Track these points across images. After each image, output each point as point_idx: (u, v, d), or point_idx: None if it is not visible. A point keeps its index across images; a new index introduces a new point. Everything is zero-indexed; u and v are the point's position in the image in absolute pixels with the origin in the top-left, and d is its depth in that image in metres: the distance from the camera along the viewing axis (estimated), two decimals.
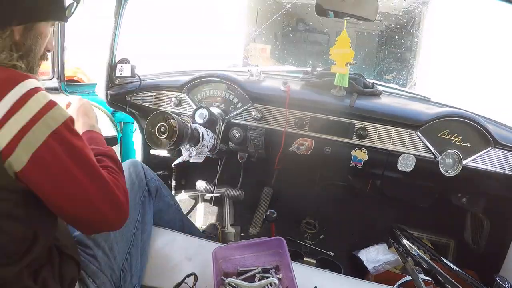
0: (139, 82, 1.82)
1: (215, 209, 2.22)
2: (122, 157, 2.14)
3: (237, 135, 1.75)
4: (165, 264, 1.20)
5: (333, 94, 1.69)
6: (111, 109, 1.97)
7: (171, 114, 1.31)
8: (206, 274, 1.08)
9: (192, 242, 1.32)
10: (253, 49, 7.43)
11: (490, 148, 1.56)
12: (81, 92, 2.07)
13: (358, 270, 1.80)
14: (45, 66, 1.93)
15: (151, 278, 1.14)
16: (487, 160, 1.57)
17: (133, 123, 2.04)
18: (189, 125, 1.41)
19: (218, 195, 2.17)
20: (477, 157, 1.57)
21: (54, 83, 1.96)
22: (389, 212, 2.12)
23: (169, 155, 1.97)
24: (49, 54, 1.00)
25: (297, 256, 1.95)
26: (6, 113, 0.70)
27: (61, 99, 0.91)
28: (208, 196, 2.24)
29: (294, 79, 1.91)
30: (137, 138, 2.09)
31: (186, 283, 1.05)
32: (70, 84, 2.06)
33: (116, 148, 2.05)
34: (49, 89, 1.95)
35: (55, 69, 1.94)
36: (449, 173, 1.56)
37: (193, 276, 1.05)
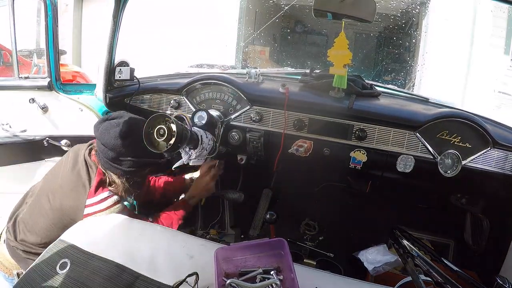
0: (138, 85, 1.82)
1: (215, 211, 2.21)
2: None
3: (236, 137, 1.75)
4: (166, 261, 1.20)
5: (332, 95, 1.69)
6: (103, 109, 1.98)
7: (171, 117, 1.30)
8: (207, 274, 1.08)
9: (193, 241, 1.32)
10: (252, 51, 7.45)
11: (489, 148, 1.56)
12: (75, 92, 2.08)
13: (358, 271, 1.79)
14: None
15: (152, 272, 1.14)
16: (486, 160, 1.57)
17: None
18: (188, 128, 1.41)
19: (217, 197, 2.17)
20: (476, 158, 1.57)
21: (46, 81, 1.99)
22: (388, 213, 2.12)
23: (168, 158, 1.97)
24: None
25: (297, 258, 1.94)
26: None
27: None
28: (207, 198, 2.23)
29: (293, 81, 1.91)
30: None
31: (187, 282, 1.05)
32: (67, 84, 2.06)
33: None
34: (42, 87, 1.99)
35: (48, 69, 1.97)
36: (448, 173, 1.56)
37: (194, 275, 1.05)
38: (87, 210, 1.41)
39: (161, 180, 1.93)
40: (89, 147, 1.54)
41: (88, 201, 1.42)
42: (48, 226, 1.46)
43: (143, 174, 1.61)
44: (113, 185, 1.47)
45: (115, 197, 1.46)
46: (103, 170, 1.47)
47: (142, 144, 1.34)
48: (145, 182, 1.74)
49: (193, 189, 1.81)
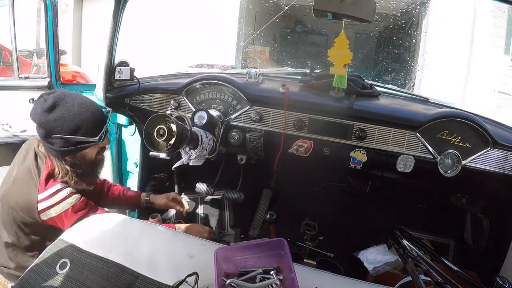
0: (138, 85, 1.82)
1: (215, 211, 2.21)
2: (118, 157, 2.15)
3: (236, 137, 1.75)
4: (166, 261, 1.20)
5: (332, 95, 1.69)
6: None
7: (171, 117, 1.31)
8: (207, 274, 1.08)
9: (193, 241, 1.32)
10: (252, 51, 7.45)
11: (489, 148, 1.56)
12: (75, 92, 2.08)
13: (358, 271, 1.79)
14: None
15: (152, 272, 1.14)
16: (486, 160, 1.57)
17: (128, 125, 2.05)
18: (188, 128, 1.41)
19: (217, 197, 2.17)
20: (476, 157, 1.57)
21: (46, 81, 1.99)
22: (388, 213, 2.12)
23: (168, 158, 1.97)
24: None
25: (297, 258, 1.94)
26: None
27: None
28: (207, 198, 2.23)
29: (293, 81, 1.91)
30: (132, 140, 2.09)
31: (187, 282, 1.05)
32: (67, 84, 2.06)
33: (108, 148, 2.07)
34: (42, 87, 1.99)
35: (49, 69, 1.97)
36: (448, 173, 1.56)
37: (194, 275, 1.05)
38: (40, 206, 1.36)
39: (115, 188, 1.83)
40: None
41: (40, 196, 1.36)
42: (12, 226, 1.41)
43: (82, 156, 1.46)
44: (63, 176, 1.40)
45: (69, 189, 1.40)
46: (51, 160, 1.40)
47: (73, 121, 1.31)
48: (87, 163, 1.51)
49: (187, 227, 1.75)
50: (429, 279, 1.12)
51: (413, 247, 1.24)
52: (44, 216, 1.37)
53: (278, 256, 1.17)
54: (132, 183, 2.16)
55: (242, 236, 2.15)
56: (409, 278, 1.37)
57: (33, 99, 1.96)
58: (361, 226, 2.12)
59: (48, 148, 1.38)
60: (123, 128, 2.10)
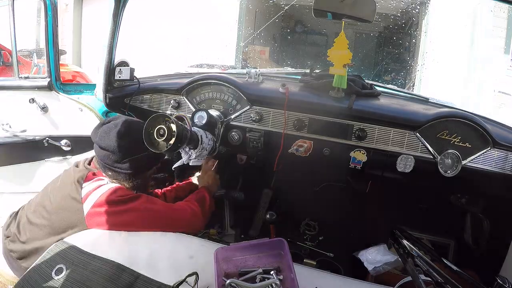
0: (138, 85, 1.82)
1: (214, 211, 2.21)
2: None
3: (236, 137, 1.75)
4: (166, 261, 1.20)
5: (332, 95, 1.69)
6: (103, 109, 1.98)
7: (171, 117, 1.31)
8: (207, 274, 1.08)
9: (193, 241, 1.32)
10: (252, 51, 7.44)
11: (489, 148, 1.56)
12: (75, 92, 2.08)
13: (358, 271, 1.79)
14: None
15: (152, 272, 1.14)
16: (486, 160, 1.57)
17: None
18: (188, 128, 1.41)
19: (217, 197, 2.17)
20: (476, 157, 1.57)
21: (46, 81, 1.98)
22: (388, 213, 2.12)
23: (168, 158, 1.97)
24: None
25: (297, 258, 1.94)
26: None
27: None
28: None
29: (293, 81, 1.91)
30: None
31: (187, 282, 1.05)
32: (67, 84, 2.07)
33: None
34: (42, 87, 1.98)
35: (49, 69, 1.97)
36: (448, 173, 1.56)
37: (194, 275, 1.05)
38: (86, 206, 1.32)
39: (172, 188, 1.88)
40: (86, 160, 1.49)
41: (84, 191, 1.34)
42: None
43: (148, 175, 1.56)
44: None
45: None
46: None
47: (142, 143, 1.32)
48: (149, 183, 1.66)
49: (202, 184, 1.79)
50: (429, 279, 1.13)
51: (413, 247, 1.24)
52: None
53: (278, 256, 1.17)
54: None
55: (242, 236, 2.15)
56: (409, 278, 1.37)
57: (33, 99, 1.96)
58: (361, 226, 2.12)
59: (117, 172, 1.41)
60: None
